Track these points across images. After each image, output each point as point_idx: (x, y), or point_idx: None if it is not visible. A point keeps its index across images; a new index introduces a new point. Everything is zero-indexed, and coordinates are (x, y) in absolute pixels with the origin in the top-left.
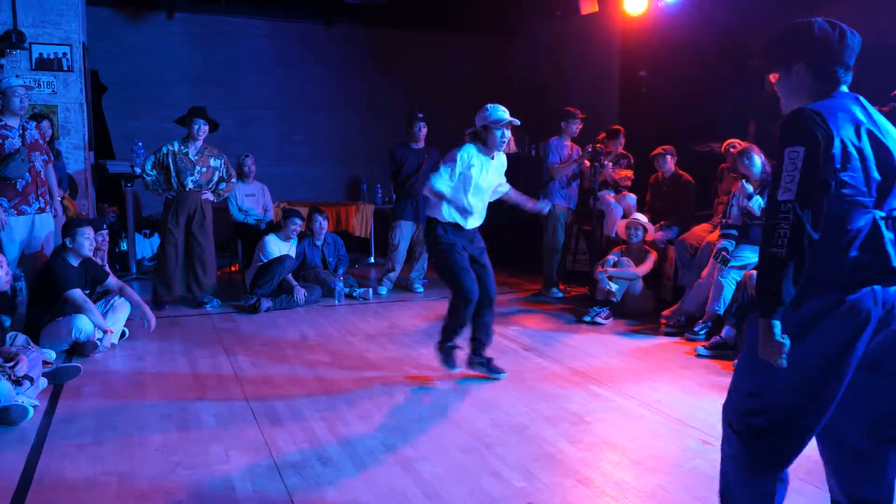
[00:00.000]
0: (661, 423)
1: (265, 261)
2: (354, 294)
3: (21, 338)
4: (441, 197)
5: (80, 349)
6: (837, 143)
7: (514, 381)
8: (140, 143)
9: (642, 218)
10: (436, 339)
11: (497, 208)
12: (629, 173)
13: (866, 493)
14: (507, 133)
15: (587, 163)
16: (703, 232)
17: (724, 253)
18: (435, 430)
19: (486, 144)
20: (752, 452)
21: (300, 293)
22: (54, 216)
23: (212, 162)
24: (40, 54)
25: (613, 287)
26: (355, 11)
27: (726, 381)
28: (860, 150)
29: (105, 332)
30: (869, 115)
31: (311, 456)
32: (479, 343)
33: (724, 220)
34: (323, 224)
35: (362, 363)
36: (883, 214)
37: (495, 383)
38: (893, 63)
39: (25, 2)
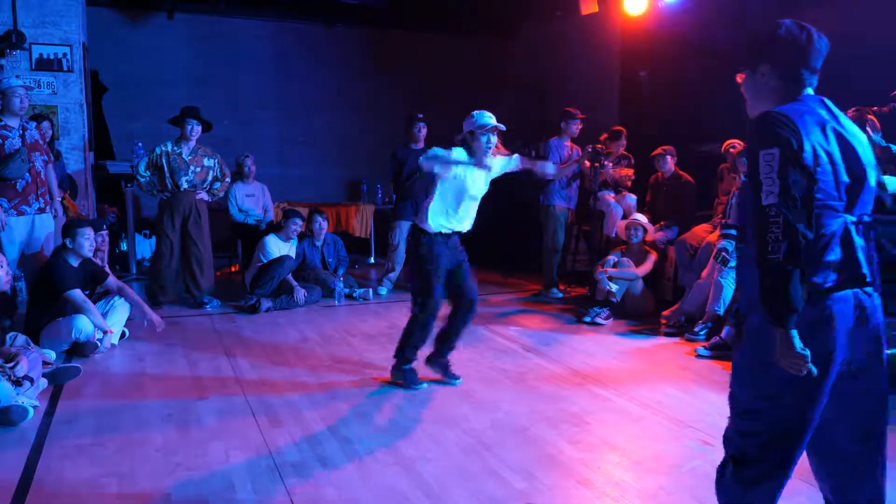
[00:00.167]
0: (662, 423)
1: (265, 261)
2: (354, 294)
3: (21, 338)
4: (434, 160)
5: (80, 349)
6: (807, 146)
7: (514, 382)
8: (140, 144)
9: (642, 218)
10: (392, 361)
11: (497, 208)
12: (630, 172)
13: (858, 496)
14: (493, 138)
15: (587, 163)
16: (703, 232)
17: (723, 253)
18: (435, 430)
19: (472, 150)
20: (748, 478)
21: (300, 293)
22: (54, 216)
23: (205, 161)
24: (40, 55)
25: (613, 287)
26: (355, 12)
27: (726, 381)
28: (829, 154)
29: (105, 332)
30: (835, 118)
31: (311, 456)
32: (447, 344)
33: (723, 220)
34: (322, 224)
35: (362, 363)
36: (853, 219)
37: (495, 384)
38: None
39: (25, 2)
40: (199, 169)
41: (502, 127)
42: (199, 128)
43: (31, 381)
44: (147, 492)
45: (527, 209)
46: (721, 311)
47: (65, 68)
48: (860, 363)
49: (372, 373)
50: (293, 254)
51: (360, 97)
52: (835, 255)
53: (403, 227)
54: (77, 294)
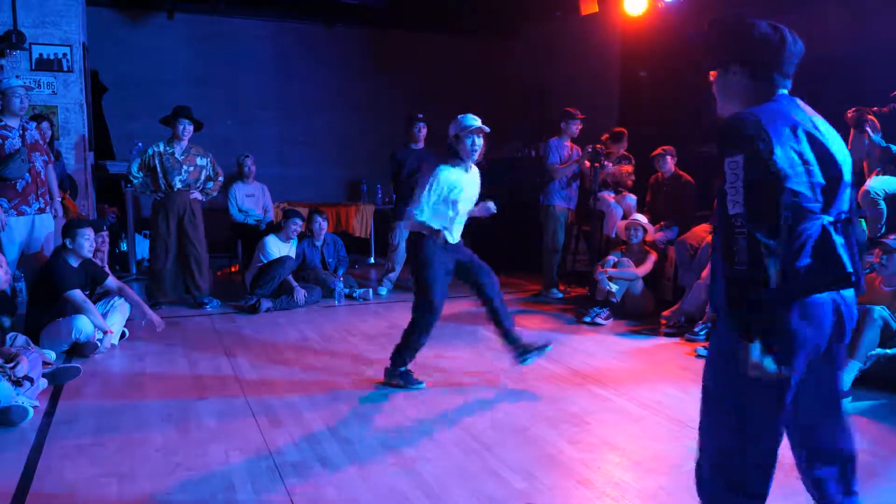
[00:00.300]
0: (662, 423)
1: (265, 261)
2: (354, 294)
3: (21, 338)
4: (422, 226)
5: (80, 350)
6: (778, 150)
7: (514, 382)
8: (140, 144)
9: (642, 218)
10: (388, 364)
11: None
12: (629, 168)
13: (838, 441)
14: (479, 141)
15: (587, 163)
16: (703, 232)
17: None
18: (435, 430)
19: (458, 153)
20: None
21: (300, 294)
22: (54, 217)
23: (198, 161)
24: (40, 55)
25: (613, 287)
26: (355, 12)
27: None
28: (801, 155)
29: (105, 332)
30: (809, 118)
31: (311, 456)
32: (504, 327)
33: None
34: (322, 225)
35: (362, 363)
36: (831, 219)
37: (496, 384)
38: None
39: (25, 2)
40: (192, 168)
41: (486, 129)
42: (191, 127)
43: (31, 381)
44: (147, 492)
45: (527, 209)
46: None
47: (65, 68)
48: (831, 350)
49: (372, 373)
50: (293, 254)
51: (360, 97)
52: (811, 257)
53: (403, 228)
54: (77, 294)
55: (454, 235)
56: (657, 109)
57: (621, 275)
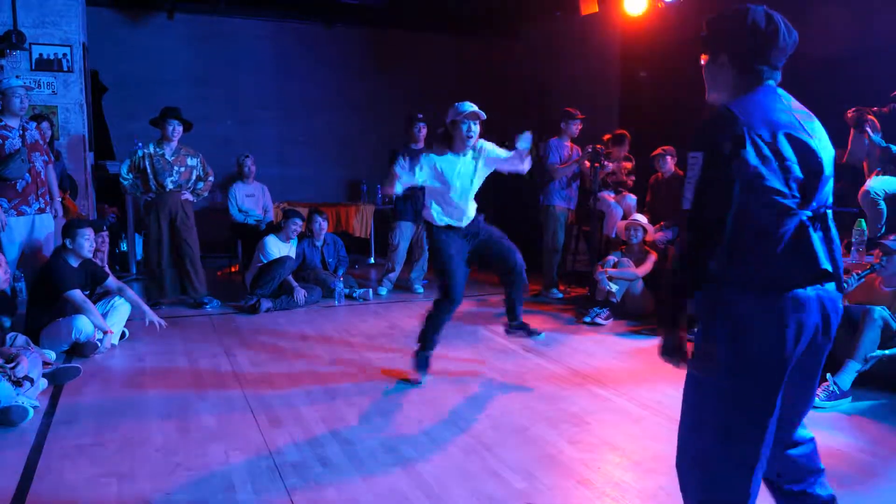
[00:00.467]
0: (662, 423)
1: (265, 261)
2: (354, 295)
3: (21, 338)
4: (392, 192)
5: (80, 350)
6: (749, 146)
7: (514, 382)
8: (140, 144)
9: (642, 218)
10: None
11: (498, 209)
12: (629, 165)
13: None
14: (475, 127)
15: (587, 163)
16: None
17: None
18: (435, 430)
19: (454, 140)
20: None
21: (300, 294)
22: (54, 217)
23: (189, 161)
24: (40, 55)
25: (613, 288)
26: (355, 12)
27: None
28: (778, 150)
29: (105, 332)
30: (789, 110)
31: (311, 456)
32: (513, 313)
33: None
34: (322, 225)
35: (362, 364)
36: (809, 214)
37: (495, 384)
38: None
39: (25, 2)
40: (183, 169)
41: (482, 115)
42: (181, 128)
43: (31, 381)
44: (147, 492)
45: (527, 209)
46: None
47: (65, 68)
48: (804, 363)
49: (372, 373)
50: (293, 254)
51: (360, 97)
52: (789, 253)
53: (403, 228)
54: (77, 294)
55: (459, 220)
56: (657, 109)
57: (621, 275)
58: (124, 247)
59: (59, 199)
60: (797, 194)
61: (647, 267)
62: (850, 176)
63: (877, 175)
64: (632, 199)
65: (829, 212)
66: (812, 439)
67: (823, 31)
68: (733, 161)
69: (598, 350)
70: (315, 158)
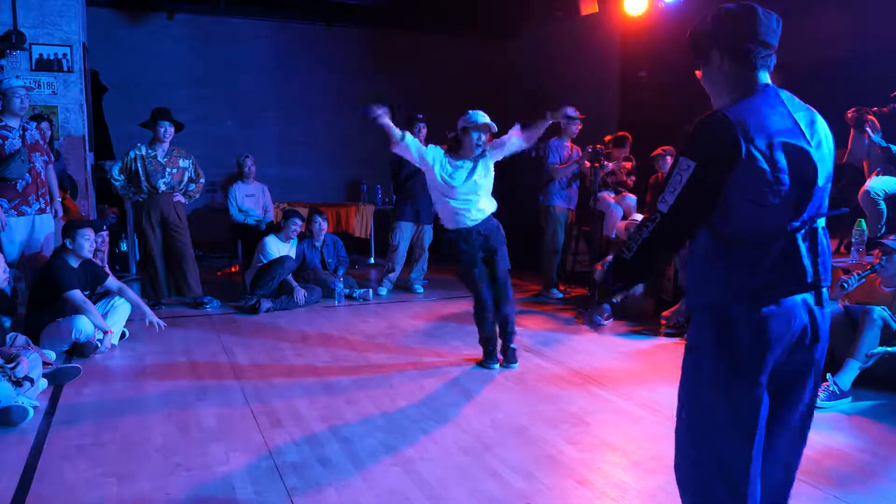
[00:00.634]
0: (662, 424)
1: (265, 261)
2: (354, 295)
3: (21, 338)
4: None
5: (80, 350)
6: (744, 156)
7: (514, 382)
8: (140, 145)
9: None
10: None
11: (498, 209)
12: (629, 165)
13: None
14: (483, 137)
15: (587, 164)
16: None
17: None
18: (435, 430)
19: (462, 147)
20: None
21: (300, 294)
22: (54, 217)
23: (181, 163)
24: (40, 55)
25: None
26: (355, 12)
27: None
28: (772, 161)
29: (105, 332)
30: (789, 115)
31: (311, 456)
32: (501, 335)
33: None
34: (322, 225)
35: (362, 364)
36: (797, 224)
37: (495, 384)
38: (892, 65)
39: (26, 2)
40: (175, 170)
41: (494, 127)
42: (172, 129)
43: (31, 381)
44: (147, 492)
45: (527, 210)
46: None
47: (65, 68)
48: (782, 384)
49: (372, 373)
50: (293, 254)
51: (360, 97)
52: (776, 263)
53: (403, 228)
54: (77, 294)
55: (466, 219)
56: (657, 109)
57: None
58: (124, 247)
59: (60, 200)
60: (788, 205)
61: None
62: (850, 176)
63: (877, 175)
64: (632, 199)
65: (821, 220)
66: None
67: (823, 32)
68: (725, 171)
69: (598, 350)
70: (315, 158)
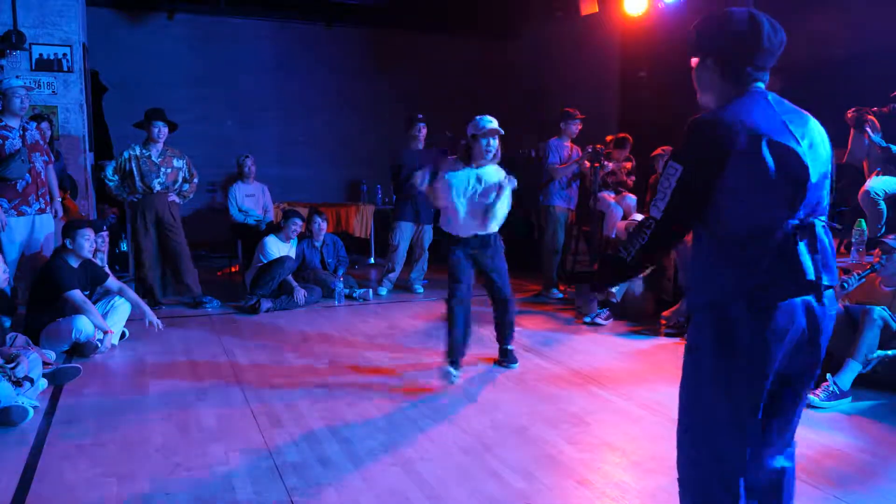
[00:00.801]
0: (662, 424)
1: (265, 261)
2: (354, 295)
3: (21, 338)
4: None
5: (80, 350)
6: (731, 157)
7: (514, 382)
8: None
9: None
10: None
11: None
12: (629, 165)
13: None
14: (493, 142)
15: (587, 163)
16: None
17: None
18: (435, 430)
19: (472, 153)
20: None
21: (300, 294)
22: (55, 217)
23: (175, 163)
24: (40, 55)
25: (613, 288)
26: (355, 12)
27: None
28: (760, 160)
29: (105, 332)
30: (776, 116)
31: (311, 456)
32: (499, 339)
33: None
34: (322, 225)
35: (362, 364)
36: (794, 223)
37: (495, 384)
38: (892, 65)
39: (26, 2)
40: (169, 170)
41: (501, 131)
42: (166, 129)
43: (31, 381)
44: (147, 492)
45: (527, 210)
46: None
47: (65, 68)
48: (791, 376)
49: (372, 373)
50: (293, 254)
51: (360, 97)
52: (774, 262)
53: (403, 228)
54: (77, 294)
55: (470, 232)
56: (657, 109)
57: None
58: (124, 247)
59: (60, 200)
60: (781, 203)
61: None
62: (850, 176)
63: (877, 175)
64: (632, 199)
65: (820, 220)
66: (784, 471)
67: (823, 31)
68: (712, 173)
69: (598, 350)
70: (315, 158)
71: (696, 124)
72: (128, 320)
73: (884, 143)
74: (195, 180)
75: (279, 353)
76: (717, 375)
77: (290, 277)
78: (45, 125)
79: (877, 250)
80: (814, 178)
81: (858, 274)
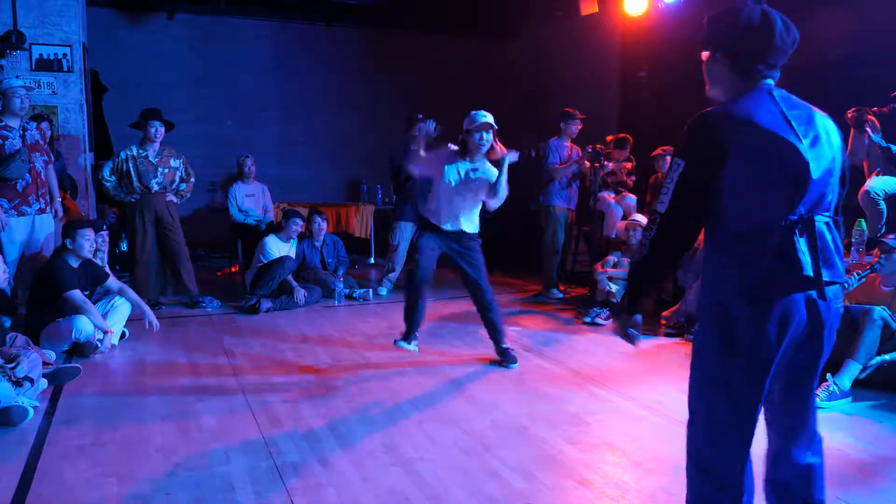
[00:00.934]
0: (662, 424)
1: (265, 261)
2: (354, 295)
3: (21, 338)
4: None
5: (80, 350)
6: (731, 153)
7: (514, 382)
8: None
9: (642, 218)
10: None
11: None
12: (629, 166)
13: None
14: (487, 136)
15: (587, 163)
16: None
17: None
18: (435, 431)
19: (467, 147)
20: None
21: (300, 294)
22: (55, 217)
23: (172, 162)
24: (40, 55)
25: (613, 288)
26: (355, 12)
27: None
28: (761, 159)
29: (105, 332)
30: (781, 113)
31: (311, 456)
32: (493, 340)
33: None
34: (322, 225)
35: (362, 364)
36: (794, 219)
37: (495, 384)
38: (892, 65)
39: (26, 3)
40: (166, 170)
41: (494, 125)
42: (163, 129)
43: (31, 381)
44: (147, 492)
45: (527, 210)
46: None
47: (65, 69)
48: (796, 372)
49: (372, 373)
50: (293, 254)
51: (360, 97)
52: (774, 258)
53: (403, 228)
54: (77, 294)
55: (446, 223)
56: (657, 109)
57: (621, 275)
58: (124, 247)
59: (60, 200)
60: (780, 200)
61: None
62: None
63: (877, 175)
64: (632, 199)
65: (823, 216)
66: (812, 466)
67: (823, 31)
68: (713, 169)
69: (598, 350)
70: (315, 158)
71: (698, 122)
72: (128, 320)
73: (884, 143)
74: (192, 180)
75: (279, 353)
76: (718, 375)
77: (290, 277)
78: (45, 125)
79: (876, 250)
80: (815, 174)
81: (858, 274)
